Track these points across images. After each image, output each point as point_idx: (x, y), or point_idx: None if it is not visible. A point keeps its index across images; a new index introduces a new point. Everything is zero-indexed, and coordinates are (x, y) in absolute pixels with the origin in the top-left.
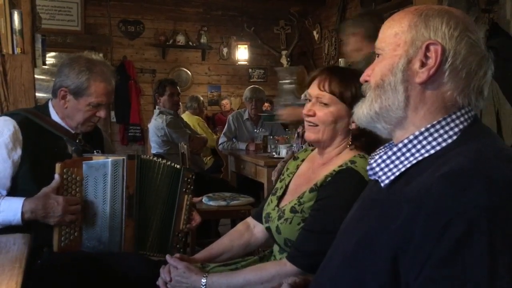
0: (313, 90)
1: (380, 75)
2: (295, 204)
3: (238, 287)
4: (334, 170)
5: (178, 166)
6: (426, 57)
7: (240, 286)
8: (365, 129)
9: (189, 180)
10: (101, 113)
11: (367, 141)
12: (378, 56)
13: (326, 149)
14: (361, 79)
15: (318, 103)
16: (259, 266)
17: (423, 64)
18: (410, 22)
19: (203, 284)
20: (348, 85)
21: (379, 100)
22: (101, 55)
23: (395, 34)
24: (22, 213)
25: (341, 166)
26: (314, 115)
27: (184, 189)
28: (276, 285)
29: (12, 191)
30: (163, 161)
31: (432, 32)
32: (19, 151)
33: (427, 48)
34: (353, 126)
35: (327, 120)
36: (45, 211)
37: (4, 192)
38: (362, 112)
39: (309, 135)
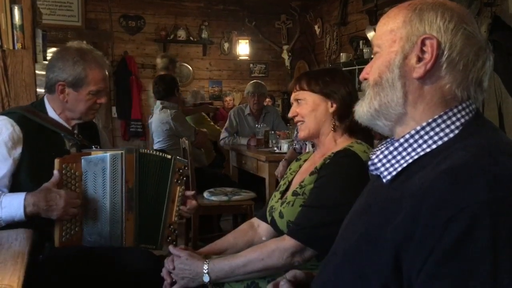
0: (291, 96)
1: (378, 72)
2: (297, 188)
3: (239, 266)
4: (332, 153)
5: (168, 156)
6: (422, 51)
7: (242, 265)
8: (347, 110)
9: (181, 170)
10: (102, 100)
11: (352, 123)
12: (375, 54)
13: (320, 139)
14: (360, 77)
15: (296, 103)
16: (259, 245)
17: (419, 59)
18: (405, 17)
19: (205, 268)
20: (314, 77)
21: (378, 97)
22: (84, 42)
23: (391, 30)
24: (25, 207)
25: (339, 149)
26: (297, 114)
27: (175, 180)
28: (278, 279)
29: (12, 189)
30: (156, 152)
31: (427, 26)
32: (19, 149)
33: (423, 43)
34: (332, 109)
35: (306, 112)
36: (47, 203)
37: (6, 191)
38: (363, 110)
39: (300, 133)
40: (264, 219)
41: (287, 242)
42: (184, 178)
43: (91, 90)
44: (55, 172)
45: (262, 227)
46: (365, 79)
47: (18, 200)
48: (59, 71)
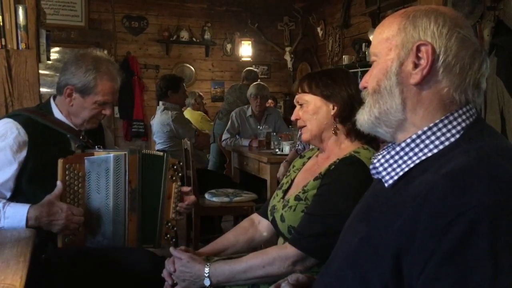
0: (295, 98)
1: (376, 80)
2: (300, 192)
3: (240, 272)
4: (337, 159)
5: (160, 154)
6: (418, 58)
7: (243, 271)
8: (349, 113)
9: (175, 167)
10: (107, 111)
11: (355, 126)
12: (373, 62)
13: (323, 143)
14: (360, 85)
15: (299, 106)
16: (260, 251)
17: (416, 65)
18: (399, 25)
19: (206, 272)
20: (314, 80)
21: (377, 105)
22: (105, 51)
23: (386, 38)
24: (27, 220)
25: (345, 155)
26: (299, 117)
27: (170, 177)
28: (279, 282)
29: (17, 191)
30: (149, 151)
31: (422, 32)
32: (24, 152)
33: (418, 49)
34: (333, 111)
35: (308, 115)
36: (49, 218)
37: (9, 194)
38: (364, 118)
39: (303, 136)
40: (265, 216)
41: (289, 251)
42: (179, 174)
43: (98, 100)
44: (58, 183)
45: (262, 224)
46: (365, 87)
47: (21, 213)
48: (70, 75)
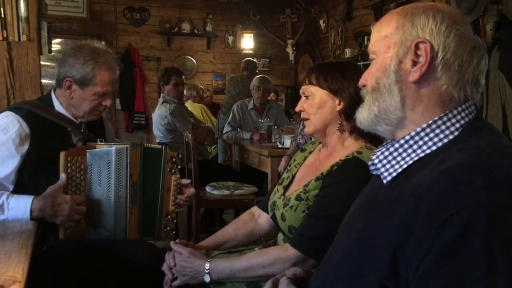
0: (301, 88)
1: (375, 78)
2: (301, 192)
3: (241, 270)
4: (340, 160)
5: (159, 147)
6: (417, 55)
7: (243, 270)
8: (355, 109)
9: (174, 159)
10: (107, 102)
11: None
12: (372, 60)
13: (326, 138)
14: (359, 83)
15: (304, 98)
16: (261, 251)
17: (414, 63)
18: (397, 23)
19: (207, 268)
20: (323, 72)
21: (376, 103)
22: (103, 42)
23: (385, 37)
24: (31, 211)
25: (347, 156)
26: (304, 109)
27: (169, 169)
28: (277, 276)
29: (19, 185)
30: (148, 144)
31: (420, 30)
32: (26, 146)
33: (417, 47)
34: (339, 107)
35: (313, 109)
36: (53, 209)
37: (11, 187)
38: (363, 116)
39: (306, 129)
40: (265, 209)
41: (290, 252)
42: (178, 167)
43: (97, 91)
44: (62, 175)
45: (262, 218)
46: (364, 85)
47: (25, 204)
48: (69, 67)
